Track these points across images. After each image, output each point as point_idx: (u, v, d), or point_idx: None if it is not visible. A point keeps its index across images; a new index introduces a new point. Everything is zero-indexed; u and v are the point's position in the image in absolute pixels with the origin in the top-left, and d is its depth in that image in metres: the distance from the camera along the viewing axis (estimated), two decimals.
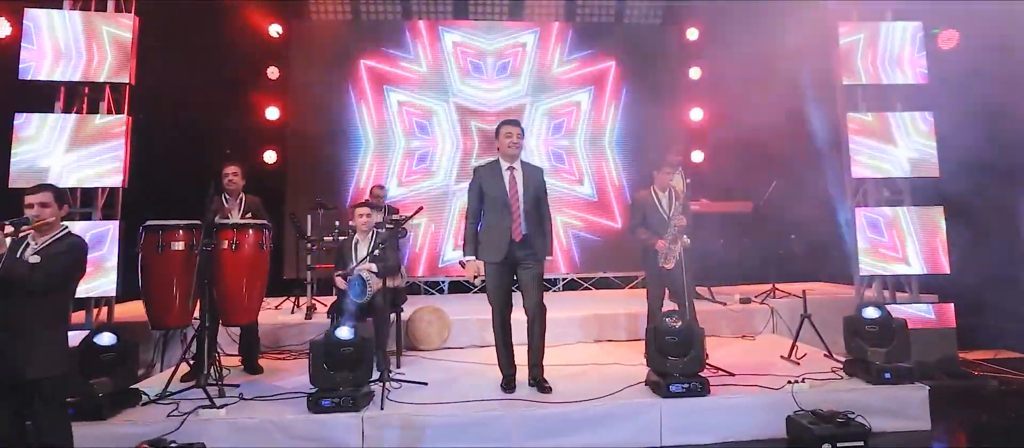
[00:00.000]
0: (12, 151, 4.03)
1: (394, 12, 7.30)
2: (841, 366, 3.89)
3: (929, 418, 3.47)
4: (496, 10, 7.44)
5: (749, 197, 6.11)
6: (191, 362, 3.82)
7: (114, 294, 4.18)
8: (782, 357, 4.29)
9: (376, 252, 4.27)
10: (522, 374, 3.69)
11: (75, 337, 3.25)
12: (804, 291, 4.53)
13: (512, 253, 3.56)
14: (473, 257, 3.59)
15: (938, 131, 4.66)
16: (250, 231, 3.78)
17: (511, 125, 3.61)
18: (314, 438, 3.14)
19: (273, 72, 7.02)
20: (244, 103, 6.81)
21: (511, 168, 3.64)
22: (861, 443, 3.07)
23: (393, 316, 4.51)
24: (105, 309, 4.37)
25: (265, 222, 3.98)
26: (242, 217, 4.12)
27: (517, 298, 3.68)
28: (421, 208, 4.63)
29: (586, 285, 7.34)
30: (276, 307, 5.89)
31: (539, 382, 3.60)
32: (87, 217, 4.31)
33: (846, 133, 4.73)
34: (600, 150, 7.52)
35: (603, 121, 7.53)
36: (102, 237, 4.15)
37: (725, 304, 5.43)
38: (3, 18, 4.08)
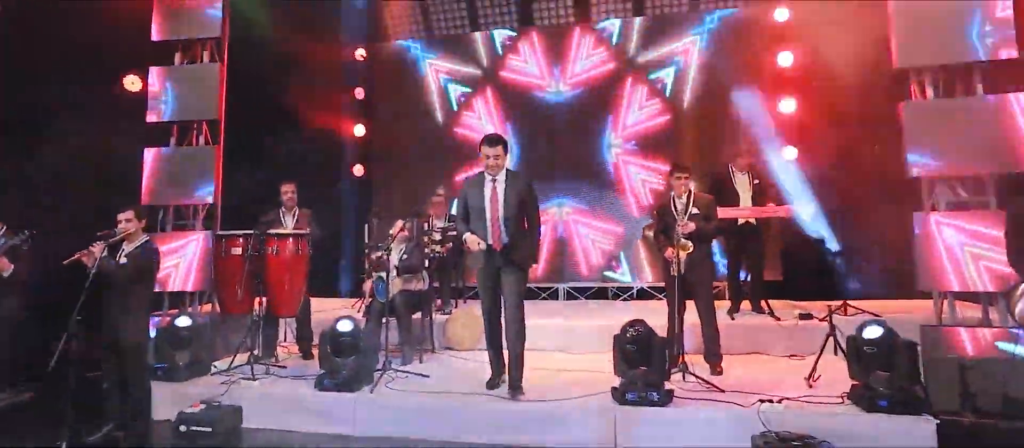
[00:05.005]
0: (143, 176, 5.66)
1: (463, 26, 8.13)
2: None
3: None
4: (561, 13, 7.85)
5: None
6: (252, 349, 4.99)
7: (203, 288, 5.61)
8: (804, 378, 4.14)
9: (405, 257, 5.15)
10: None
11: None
12: (830, 307, 4.27)
13: (493, 260, 4.07)
14: (467, 232, 4.10)
15: None
16: (290, 239, 4.86)
17: (490, 145, 4.03)
18: (316, 410, 4.04)
19: (359, 93, 8.32)
20: (333, 122, 8.14)
21: (493, 181, 4.12)
22: None
23: (418, 315, 5.29)
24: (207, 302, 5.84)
25: (304, 231, 5.03)
26: (294, 227, 5.23)
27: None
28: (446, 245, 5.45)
29: (660, 296, 7.34)
30: (352, 305, 7.05)
31: (514, 384, 4.05)
32: (193, 228, 5.82)
33: (901, 124, 4.32)
34: (677, 148, 7.41)
35: (681, 117, 7.46)
36: (197, 244, 5.58)
37: (779, 319, 5.22)
38: (136, 77, 5.80)
